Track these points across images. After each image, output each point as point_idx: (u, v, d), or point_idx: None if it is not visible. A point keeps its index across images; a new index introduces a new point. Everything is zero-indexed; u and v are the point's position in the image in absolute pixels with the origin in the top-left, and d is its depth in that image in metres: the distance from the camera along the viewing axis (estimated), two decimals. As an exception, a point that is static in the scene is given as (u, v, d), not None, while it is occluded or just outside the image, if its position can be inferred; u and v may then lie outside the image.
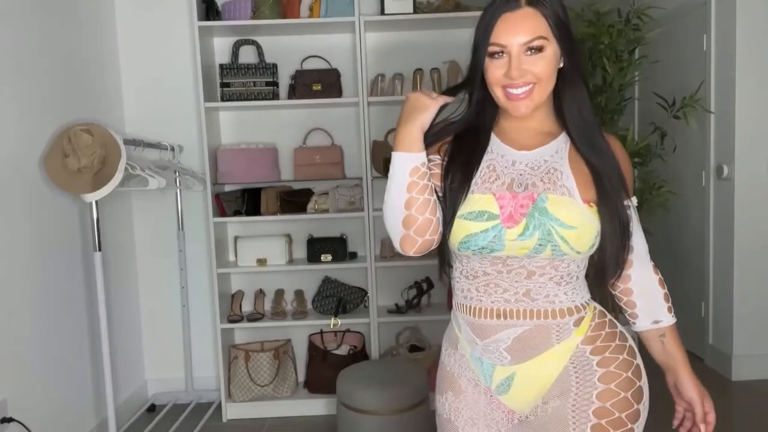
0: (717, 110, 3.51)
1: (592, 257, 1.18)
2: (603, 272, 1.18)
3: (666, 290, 1.28)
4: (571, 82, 1.17)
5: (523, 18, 1.10)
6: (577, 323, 1.16)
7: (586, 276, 1.21)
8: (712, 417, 1.24)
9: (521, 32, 1.10)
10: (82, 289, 2.78)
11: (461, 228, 1.14)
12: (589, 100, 1.19)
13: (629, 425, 1.12)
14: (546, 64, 1.12)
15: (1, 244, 2.25)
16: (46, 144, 2.52)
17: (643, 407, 1.16)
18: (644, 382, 1.18)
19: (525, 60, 1.11)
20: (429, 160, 1.18)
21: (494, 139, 1.22)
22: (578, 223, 1.10)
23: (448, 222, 1.16)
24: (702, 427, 1.24)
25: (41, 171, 2.48)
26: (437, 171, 1.19)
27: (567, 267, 1.15)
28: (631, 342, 1.21)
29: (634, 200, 1.22)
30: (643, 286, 1.25)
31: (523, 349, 1.15)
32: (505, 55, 1.12)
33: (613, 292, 1.28)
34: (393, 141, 1.18)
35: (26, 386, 2.37)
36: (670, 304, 1.27)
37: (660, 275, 1.29)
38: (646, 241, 1.27)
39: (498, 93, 1.15)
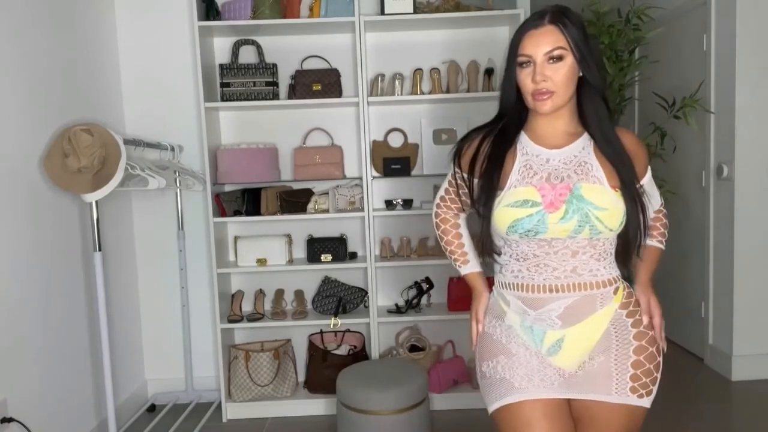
0: (717, 110, 3.51)
1: (619, 236, 1.41)
2: (628, 246, 1.40)
3: (663, 229, 1.54)
4: (589, 90, 1.40)
5: (546, 33, 1.34)
6: (615, 291, 1.42)
7: (615, 254, 1.44)
8: (656, 321, 1.45)
9: (543, 44, 1.34)
10: (82, 289, 2.78)
11: (508, 215, 1.37)
12: (604, 103, 1.41)
13: (655, 374, 1.41)
14: (565, 72, 1.34)
15: (1, 244, 2.25)
16: (46, 144, 2.52)
17: (661, 360, 1.43)
18: (660, 339, 1.44)
19: (547, 67, 1.34)
20: (462, 177, 1.51)
21: (527, 141, 1.45)
22: (608, 205, 1.34)
23: (485, 215, 1.41)
24: (644, 318, 1.44)
25: (41, 171, 2.48)
26: (465, 189, 1.51)
27: (603, 245, 1.39)
28: None
29: (646, 178, 1.47)
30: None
31: (572, 315, 1.38)
32: (531, 64, 1.35)
33: None
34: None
35: (26, 386, 2.37)
36: (660, 236, 1.54)
37: (665, 219, 1.57)
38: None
39: (528, 98, 1.39)
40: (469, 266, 1.58)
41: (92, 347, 2.83)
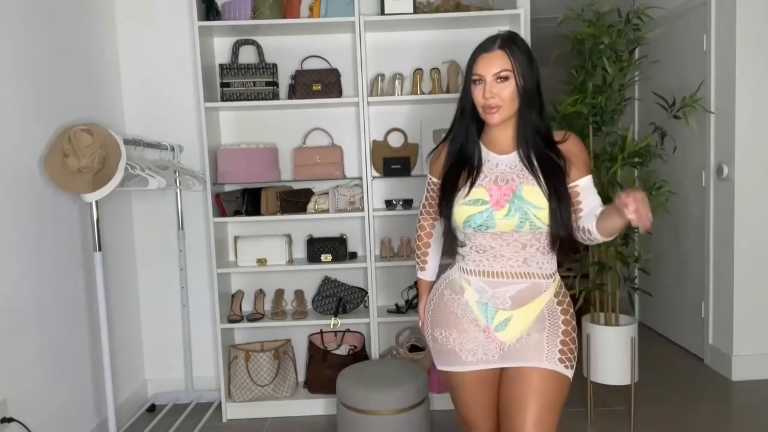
0: (717, 110, 3.51)
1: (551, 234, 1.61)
2: (560, 238, 1.59)
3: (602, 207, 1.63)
4: (523, 109, 1.61)
5: (495, 57, 1.58)
6: (553, 281, 1.69)
7: (559, 248, 1.66)
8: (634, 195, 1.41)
9: (493, 66, 1.57)
10: (82, 289, 2.78)
11: (464, 211, 1.63)
12: (537, 119, 1.61)
13: (575, 353, 1.68)
14: (511, 90, 1.57)
15: (1, 244, 2.25)
16: (46, 144, 2.52)
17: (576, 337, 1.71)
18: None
19: (495, 86, 1.57)
20: (433, 182, 1.79)
21: (482, 147, 1.69)
22: (545, 205, 1.59)
23: (447, 214, 1.67)
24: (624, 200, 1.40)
25: (41, 171, 2.48)
26: (436, 192, 1.77)
27: (546, 239, 1.63)
28: (570, 300, 1.74)
29: (585, 180, 1.64)
30: (590, 221, 1.61)
31: (521, 298, 1.65)
32: (482, 82, 1.59)
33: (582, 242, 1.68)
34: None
35: (26, 386, 2.37)
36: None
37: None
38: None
39: (480, 110, 1.63)
40: (424, 274, 1.92)
41: (92, 347, 2.83)
